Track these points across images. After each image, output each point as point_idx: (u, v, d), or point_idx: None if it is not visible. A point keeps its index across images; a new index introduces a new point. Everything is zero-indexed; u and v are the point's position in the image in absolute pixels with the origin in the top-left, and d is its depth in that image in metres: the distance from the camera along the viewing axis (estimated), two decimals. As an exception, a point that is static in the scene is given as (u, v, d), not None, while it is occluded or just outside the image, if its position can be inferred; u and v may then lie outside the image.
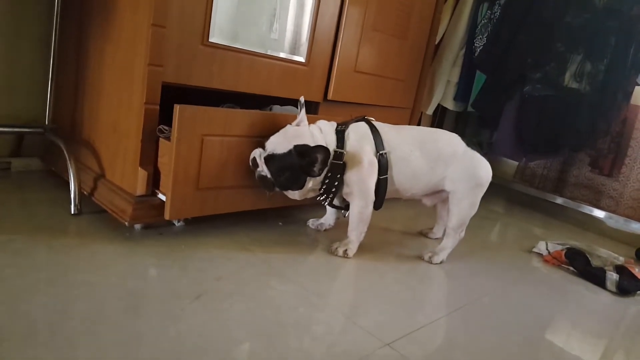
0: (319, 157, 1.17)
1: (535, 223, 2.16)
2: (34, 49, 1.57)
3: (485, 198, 1.38)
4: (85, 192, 1.30)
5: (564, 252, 1.57)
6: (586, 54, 1.96)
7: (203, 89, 1.23)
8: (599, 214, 2.21)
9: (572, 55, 1.96)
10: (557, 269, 1.55)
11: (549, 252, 1.62)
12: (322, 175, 1.22)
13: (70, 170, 1.25)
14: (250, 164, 1.20)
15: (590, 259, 1.53)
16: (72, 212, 1.23)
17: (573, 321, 1.21)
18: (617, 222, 2.17)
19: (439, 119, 2.56)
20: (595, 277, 1.46)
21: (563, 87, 1.98)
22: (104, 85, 1.27)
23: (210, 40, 1.18)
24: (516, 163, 2.59)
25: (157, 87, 1.12)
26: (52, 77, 1.40)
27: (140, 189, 1.15)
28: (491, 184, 1.38)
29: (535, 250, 1.67)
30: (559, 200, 2.34)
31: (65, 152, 1.28)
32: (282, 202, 1.33)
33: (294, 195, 1.25)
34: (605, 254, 1.62)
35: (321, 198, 1.28)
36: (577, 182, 2.38)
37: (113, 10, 1.21)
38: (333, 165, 1.23)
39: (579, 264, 1.52)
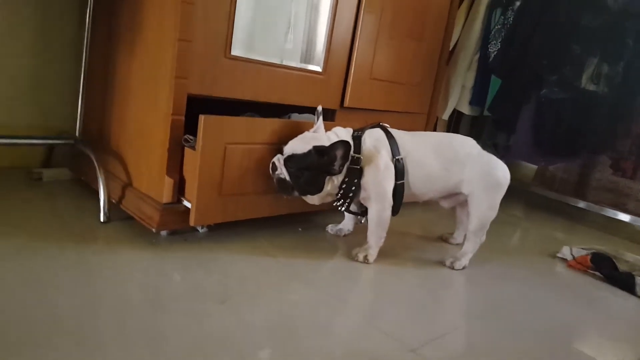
0: (339, 153, 1.19)
1: (557, 227, 2.14)
2: (64, 63, 1.65)
3: (505, 202, 1.39)
4: (113, 201, 1.35)
5: (589, 256, 1.54)
6: (603, 55, 1.95)
7: (224, 99, 1.27)
8: (625, 217, 2.17)
9: (589, 57, 1.96)
10: (582, 274, 1.52)
11: (573, 257, 1.60)
12: (341, 178, 1.25)
13: (100, 179, 1.31)
14: (270, 169, 1.24)
15: (617, 263, 1.50)
16: (102, 220, 1.28)
17: (600, 328, 1.20)
18: (645, 225, 2.13)
19: (455, 124, 2.57)
20: (623, 282, 1.43)
21: (580, 90, 1.98)
22: (132, 97, 1.33)
23: (232, 53, 1.23)
24: (535, 166, 2.58)
25: (182, 98, 1.16)
26: (83, 90, 1.46)
27: (166, 196, 1.20)
28: (510, 187, 1.38)
29: (559, 255, 1.65)
30: (581, 204, 2.31)
31: (95, 162, 1.34)
32: (301, 207, 1.36)
33: (313, 199, 1.28)
34: (632, 259, 1.59)
35: (338, 204, 1.30)
36: (599, 186, 2.35)
37: (141, 26, 1.27)
38: (350, 170, 1.25)
39: (606, 269, 1.49)
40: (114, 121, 1.42)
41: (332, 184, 1.25)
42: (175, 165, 1.21)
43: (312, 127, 1.29)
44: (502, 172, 1.36)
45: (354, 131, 1.32)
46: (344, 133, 1.30)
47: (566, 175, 2.48)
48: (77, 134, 1.49)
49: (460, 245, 1.46)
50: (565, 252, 1.64)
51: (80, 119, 1.48)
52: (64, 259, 1.04)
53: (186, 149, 1.20)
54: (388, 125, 1.37)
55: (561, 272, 1.54)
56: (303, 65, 1.42)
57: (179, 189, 1.22)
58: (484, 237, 1.41)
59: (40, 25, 1.58)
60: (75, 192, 1.50)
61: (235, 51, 1.24)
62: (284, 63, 1.37)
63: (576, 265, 1.56)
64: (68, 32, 1.63)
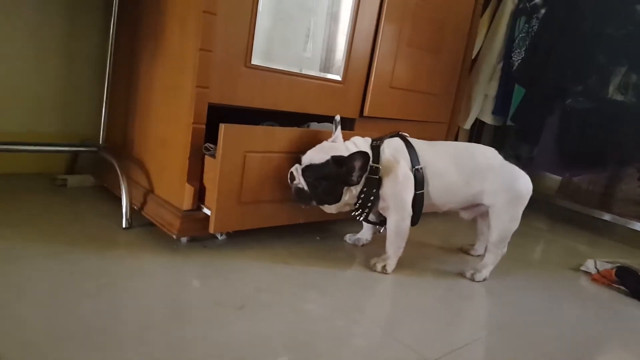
0: (357, 163, 1.19)
1: (581, 240, 2.10)
2: (89, 72, 1.69)
3: (527, 214, 1.36)
4: (135, 207, 1.37)
5: (614, 270, 1.50)
6: (631, 65, 1.91)
7: (244, 108, 1.29)
8: (651, 230, 2.11)
9: (616, 67, 1.92)
10: (606, 288, 1.49)
11: (597, 271, 1.56)
12: (359, 188, 1.25)
13: (123, 186, 1.33)
14: (288, 178, 1.24)
15: (642, 277, 1.47)
16: (124, 226, 1.30)
17: (625, 343, 1.17)
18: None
19: (477, 134, 2.54)
20: (649, 296, 1.39)
21: (607, 99, 1.94)
22: (154, 105, 1.35)
23: (252, 62, 1.24)
24: (559, 178, 2.53)
25: (203, 107, 1.18)
26: (107, 99, 1.49)
27: (187, 203, 1.21)
28: (533, 199, 1.36)
29: (582, 268, 1.61)
30: (607, 217, 2.26)
31: (117, 170, 1.37)
32: (319, 216, 1.36)
33: (330, 209, 1.28)
34: (657, 273, 1.55)
35: (356, 213, 1.30)
36: (626, 198, 2.29)
37: (163, 35, 1.29)
38: (368, 180, 1.25)
39: (631, 283, 1.45)
40: (136, 129, 1.45)
41: (350, 194, 1.25)
42: (196, 173, 1.22)
43: (330, 136, 1.30)
44: (524, 184, 1.34)
45: (372, 141, 1.31)
46: (362, 143, 1.30)
47: (591, 187, 2.43)
48: (100, 141, 1.52)
49: (481, 256, 1.44)
50: (589, 265, 1.61)
51: (103, 127, 1.51)
52: (87, 264, 1.06)
53: (206, 157, 1.22)
54: (407, 135, 1.36)
55: (585, 286, 1.50)
56: (322, 74, 1.43)
57: (199, 197, 1.23)
58: (505, 249, 1.38)
59: (66, 38, 1.63)
60: (98, 198, 1.53)
61: (256, 60, 1.25)
62: (303, 72, 1.38)
63: (600, 278, 1.53)
64: (92, 44, 1.68)
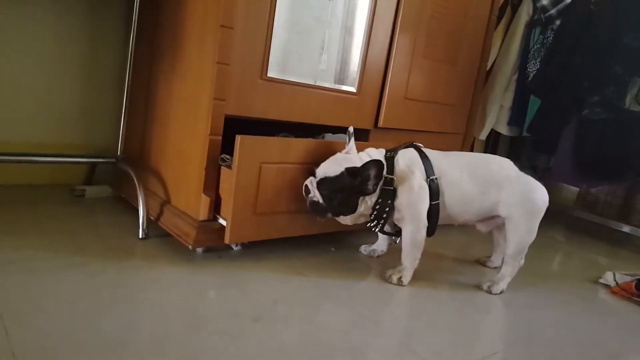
0: (372, 172, 1.19)
1: (600, 252, 2.06)
2: (108, 85, 1.72)
3: (545, 225, 1.35)
4: (152, 217, 1.38)
5: (633, 283, 1.48)
6: (649, 75, 1.89)
7: (260, 119, 1.30)
8: (672, 243, 2.07)
9: (633, 77, 1.90)
10: (626, 301, 1.46)
11: (617, 283, 1.53)
12: (374, 199, 1.24)
13: (140, 197, 1.35)
14: (303, 191, 1.24)
15: (662, 290, 1.44)
16: (140, 236, 1.31)
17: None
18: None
19: (493, 144, 2.53)
20: (669, 309, 1.37)
21: (624, 110, 1.92)
22: (172, 117, 1.37)
23: (268, 74, 1.25)
24: (576, 189, 2.50)
25: (220, 119, 1.20)
26: (125, 111, 1.52)
27: (203, 214, 1.22)
28: (551, 210, 1.34)
29: (601, 281, 1.58)
30: (626, 229, 2.22)
31: (135, 180, 1.38)
32: (334, 227, 1.36)
33: (346, 220, 1.28)
34: (678, 285, 1.52)
35: (372, 224, 1.29)
36: (645, 209, 2.26)
37: (182, 49, 1.32)
38: (383, 191, 1.24)
39: (651, 296, 1.43)
40: (154, 141, 1.47)
41: (366, 205, 1.24)
42: (212, 184, 1.23)
43: (344, 147, 1.30)
44: (540, 195, 1.32)
45: (386, 151, 1.31)
46: (376, 153, 1.29)
47: (610, 198, 2.39)
48: (118, 152, 1.54)
49: (498, 268, 1.42)
50: (608, 277, 1.58)
51: (122, 138, 1.54)
52: (105, 275, 1.07)
53: (222, 168, 1.23)
54: (422, 145, 1.36)
55: (604, 299, 1.47)
56: (337, 86, 1.44)
57: (215, 207, 1.24)
58: (522, 261, 1.37)
59: (87, 51, 1.67)
60: (116, 208, 1.54)
61: (271, 73, 1.26)
62: (318, 84, 1.38)
63: (620, 291, 1.50)
64: (112, 57, 1.71)
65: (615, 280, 1.55)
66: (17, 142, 1.59)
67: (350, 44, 1.45)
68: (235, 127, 1.23)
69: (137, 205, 1.35)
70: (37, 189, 1.63)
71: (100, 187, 1.67)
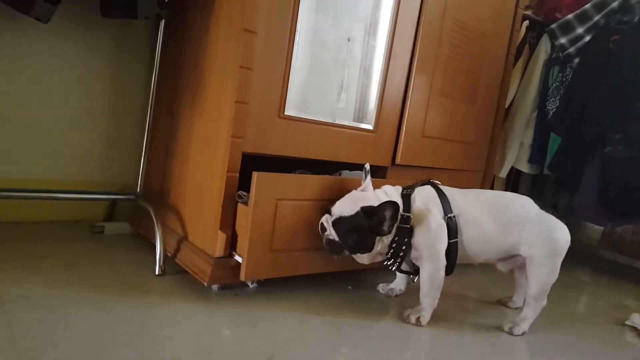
0: (388, 213, 1.17)
1: (627, 293, 1.98)
2: (130, 123, 1.77)
3: (569, 265, 1.31)
4: (169, 254, 1.39)
5: (661, 325, 1.43)
6: (671, 112, 1.86)
7: (278, 156, 1.31)
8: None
9: (655, 114, 1.87)
10: (655, 344, 1.41)
11: (644, 326, 1.48)
12: (391, 238, 1.23)
13: (157, 234, 1.36)
14: (319, 229, 1.24)
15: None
16: (157, 273, 1.31)
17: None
18: None
19: (514, 182, 2.50)
20: (700, 354, 1.30)
21: (648, 148, 1.88)
22: (191, 154, 1.40)
23: (285, 113, 1.28)
24: (601, 228, 2.43)
25: (238, 156, 1.21)
26: (145, 148, 1.55)
27: (219, 250, 1.22)
28: (575, 250, 1.31)
29: (628, 323, 1.52)
30: (654, 269, 2.15)
31: (153, 217, 1.40)
32: (351, 265, 1.35)
33: (362, 259, 1.26)
34: None
35: (389, 263, 1.28)
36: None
37: (202, 89, 1.35)
38: (400, 230, 1.23)
39: (680, 339, 1.37)
40: (173, 178, 1.49)
41: (382, 244, 1.23)
42: (229, 220, 1.24)
43: (360, 184, 1.30)
44: (562, 234, 1.29)
45: (403, 189, 1.30)
46: (393, 191, 1.29)
47: (636, 237, 2.32)
48: (138, 189, 1.57)
49: (520, 309, 1.38)
50: (636, 320, 1.52)
51: (142, 175, 1.56)
52: (120, 311, 1.07)
53: (239, 204, 1.23)
54: (439, 183, 1.35)
55: (632, 342, 1.41)
56: (354, 124, 1.45)
57: (232, 244, 1.24)
58: (544, 301, 1.32)
59: (109, 90, 1.72)
60: (134, 245, 1.56)
61: (289, 111, 1.29)
62: (337, 122, 1.40)
63: (649, 335, 1.44)
64: (134, 94, 1.77)
65: (642, 322, 1.50)
66: (38, 179, 1.63)
67: (369, 83, 1.47)
68: (252, 163, 1.25)
69: (155, 241, 1.36)
70: (58, 225, 1.65)
71: (120, 224, 1.69)
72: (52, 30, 1.56)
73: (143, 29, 1.73)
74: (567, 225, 1.32)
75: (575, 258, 1.34)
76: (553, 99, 2.15)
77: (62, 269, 1.27)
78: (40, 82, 1.59)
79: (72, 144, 1.68)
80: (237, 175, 1.23)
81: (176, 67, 1.51)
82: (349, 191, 1.27)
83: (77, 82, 1.65)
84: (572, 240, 1.31)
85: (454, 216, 1.27)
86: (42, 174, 1.64)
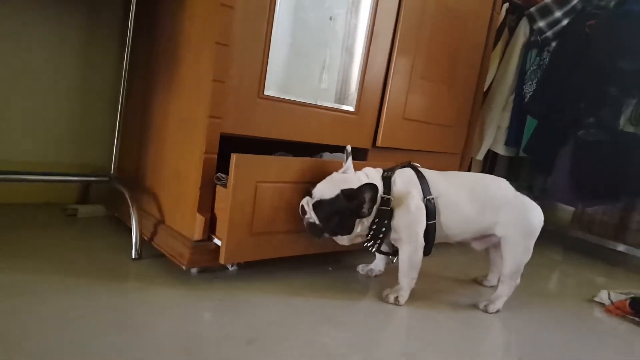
0: (367, 196, 1.18)
1: (596, 271, 2.05)
2: (103, 103, 1.71)
3: (542, 245, 1.34)
4: (145, 238, 1.36)
5: (628, 301, 1.48)
6: (642, 97, 1.91)
7: (257, 138, 1.29)
8: (668, 262, 2.07)
9: (627, 99, 1.92)
10: (621, 319, 1.46)
11: (611, 302, 1.53)
12: (370, 220, 1.23)
13: (133, 217, 1.33)
14: (300, 211, 1.23)
15: (657, 309, 1.43)
16: (133, 257, 1.29)
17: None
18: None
19: (490, 164, 2.53)
20: (664, 329, 1.36)
21: (619, 131, 1.93)
22: (167, 135, 1.36)
23: (265, 93, 1.25)
24: (572, 209, 2.50)
25: (216, 137, 1.18)
26: (119, 129, 1.50)
27: (197, 234, 1.20)
28: (547, 230, 1.34)
29: (596, 299, 1.58)
30: (621, 248, 2.22)
31: (128, 200, 1.37)
32: (332, 247, 1.35)
33: (343, 240, 1.26)
34: (674, 304, 1.51)
35: (368, 244, 1.28)
36: (640, 228, 2.26)
37: (177, 66, 1.31)
38: (380, 212, 1.23)
39: (646, 315, 1.42)
40: (149, 159, 1.46)
41: (362, 226, 1.23)
42: (207, 203, 1.21)
43: (342, 166, 1.29)
44: (536, 216, 1.33)
45: (383, 171, 1.30)
46: (373, 173, 1.29)
47: (606, 218, 2.39)
48: (112, 171, 1.53)
49: (495, 287, 1.41)
50: (603, 296, 1.58)
51: (115, 157, 1.52)
52: (97, 297, 1.05)
53: (218, 187, 1.21)
54: (419, 165, 1.35)
55: (600, 318, 1.46)
56: (336, 105, 1.43)
57: (211, 227, 1.22)
58: (518, 280, 1.36)
59: (81, 69, 1.66)
60: (109, 228, 1.52)
61: (269, 91, 1.26)
62: (319, 103, 1.38)
63: (614, 310, 1.50)
64: (106, 75, 1.71)
65: (610, 298, 1.56)
66: (10, 160, 1.57)
67: (350, 63, 1.45)
68: (231, 145, 1.22)
69: (130, 225, 1.33)
70: (30, 208, 1.60)
71: (94, 207, 1.64)
72: (21, 6, 1.48)
73: (115, 5, 1.67)
74: (540, 207, 1.35)
75: (547, 238, 1.37)
76: (530, 82, 2.17)
77: (36, 254, 1.23)
78: (8, 60, 1.52)
79: (43, 125, 1.62)
80: (216, 157, 1.20)
81: (151, 44, 1.46)
82: (330, 173, 1.26)
83: (47, 59, 1.59)
84: (545, 221, 1.35)
85: (432, 198, 1.28)
86: (13, 155, 1.58)
